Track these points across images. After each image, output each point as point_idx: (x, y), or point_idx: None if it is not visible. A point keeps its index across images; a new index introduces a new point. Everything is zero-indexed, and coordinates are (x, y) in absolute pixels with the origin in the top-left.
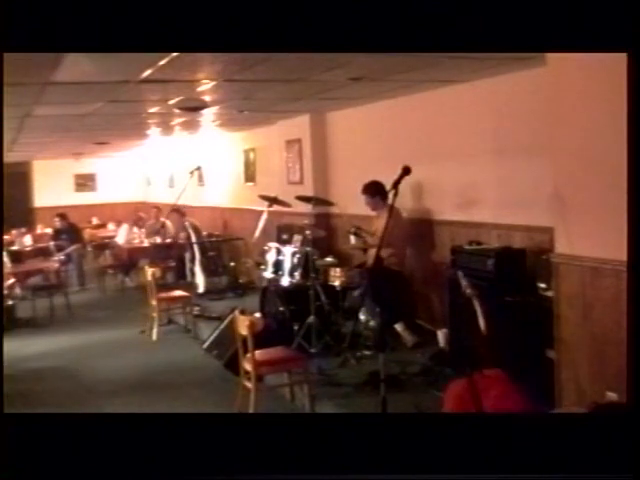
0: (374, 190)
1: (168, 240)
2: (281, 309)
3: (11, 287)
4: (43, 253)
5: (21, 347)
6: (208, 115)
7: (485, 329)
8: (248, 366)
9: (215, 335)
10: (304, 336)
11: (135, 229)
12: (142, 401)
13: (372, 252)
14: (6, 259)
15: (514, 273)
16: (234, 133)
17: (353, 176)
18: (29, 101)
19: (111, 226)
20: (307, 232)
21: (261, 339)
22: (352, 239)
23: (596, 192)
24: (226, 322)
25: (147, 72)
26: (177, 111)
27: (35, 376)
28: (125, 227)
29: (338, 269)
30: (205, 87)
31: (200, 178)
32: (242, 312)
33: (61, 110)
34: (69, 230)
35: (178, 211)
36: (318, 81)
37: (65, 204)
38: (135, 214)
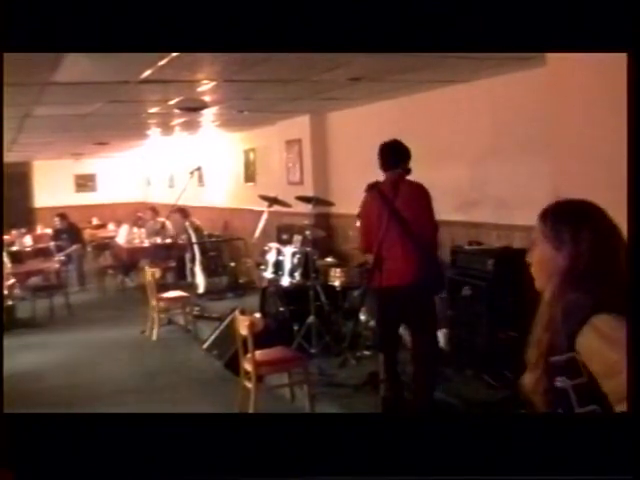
0: None
1: (168, 240)
2: (281, 309)
3: (11, 287)
4: (43, 253)
5: (21, 347)
6: (208, 115)
7: None
8: (248, 366)
9: (215, 335)
10: (304, 336)
11: (135, 229)
12: (142, 401)
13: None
14: (6, 259)
15: (514, 273)
16: (234, 133)
17: (353, 176)
18: (29, 101)
19: (111, 226)
20: (307, 232)
21: (261, 339)
22: None
23: (596, 192)
24: (226, 322)
25: (147, 72)
26: (177, 111)
27: (35, 376)
28: (125, 227)
29: (338, 269)
30: (205, 87)
31: (200, 178)
32: (242, 312)
33: (61, 110)
34: (69, 230)
35: (182, 211)
36: (318, 81)
37: (65, 204)
38: (135, 214)
